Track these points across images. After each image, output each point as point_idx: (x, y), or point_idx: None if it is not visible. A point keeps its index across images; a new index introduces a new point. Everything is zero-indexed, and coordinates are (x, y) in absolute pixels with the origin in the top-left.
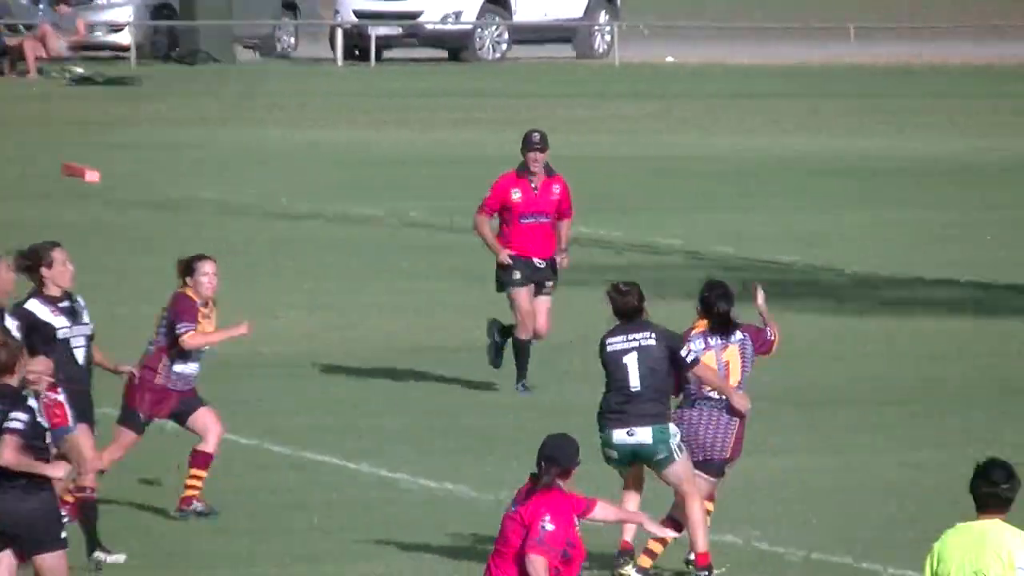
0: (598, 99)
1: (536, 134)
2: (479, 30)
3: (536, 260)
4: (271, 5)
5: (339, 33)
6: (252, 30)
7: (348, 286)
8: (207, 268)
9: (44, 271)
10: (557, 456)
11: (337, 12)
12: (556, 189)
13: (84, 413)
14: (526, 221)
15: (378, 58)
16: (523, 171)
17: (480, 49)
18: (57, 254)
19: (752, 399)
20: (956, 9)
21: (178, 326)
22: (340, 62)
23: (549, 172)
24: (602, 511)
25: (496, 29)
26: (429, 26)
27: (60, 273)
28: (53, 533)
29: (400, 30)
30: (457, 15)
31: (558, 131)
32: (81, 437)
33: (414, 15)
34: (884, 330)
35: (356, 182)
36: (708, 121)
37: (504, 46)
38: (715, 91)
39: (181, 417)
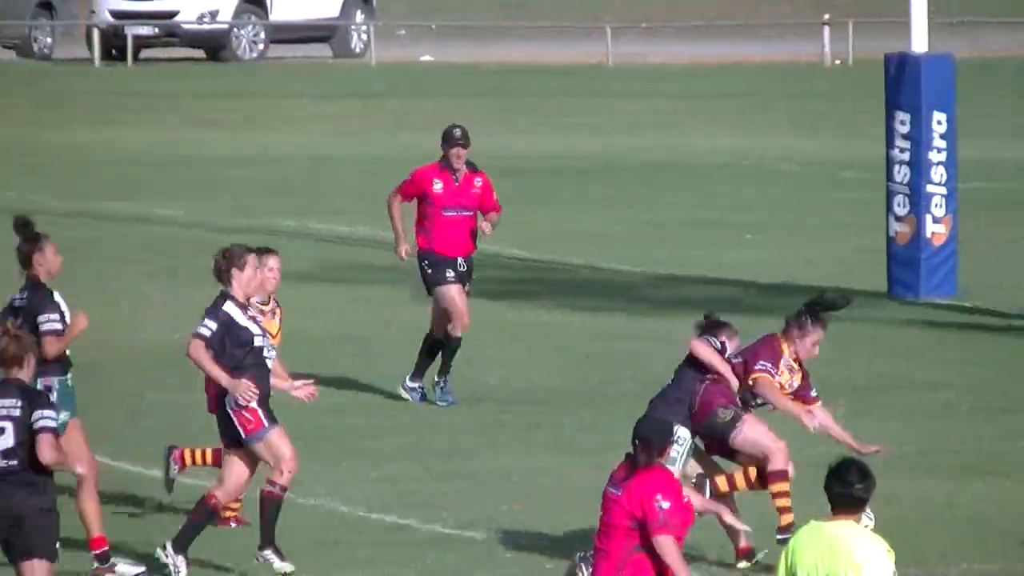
0: (354, 98)
1: (457, 129)
2: (236, 29)
3: (459, 260)
4: (28, 5)
5: (96, 33)
6: (9, 30)
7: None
8: (271, 263)
9: (235, 273)
10: (652, 436)
11: (93, 12)
12: (478, 183)
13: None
14: (448, 214)
15: (136, 58)
16: (445, 165)
17: (237, 49)
18: (251, 259)
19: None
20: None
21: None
22: (98, 62)
23: (472, 168)
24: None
25: (253, 28)
26: (186, 26)
27: (250, 279)
28: (50, 540)
29: (157, 30)
30: (213, 15)
31: (313, 130)
32: (278, 436)
33: (170, 15)
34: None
35: (116, 182)
36: (464, 120)
37: (261, 46)
38: (472, 90)
39: None
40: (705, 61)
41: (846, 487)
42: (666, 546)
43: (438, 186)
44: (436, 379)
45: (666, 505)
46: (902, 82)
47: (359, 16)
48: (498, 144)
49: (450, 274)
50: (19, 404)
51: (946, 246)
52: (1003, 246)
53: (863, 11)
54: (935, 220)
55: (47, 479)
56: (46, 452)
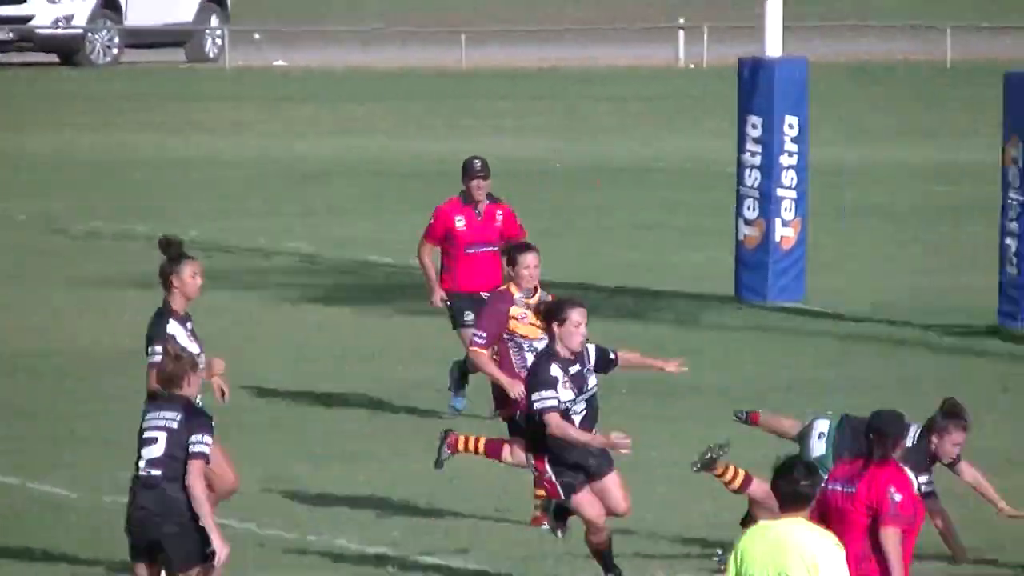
0: (208, 102)
1: (477, 161)
2: (90, 34)
3: (484, 294)
4: None
5: None
6: None
7: None
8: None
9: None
10: (887, 429)
11: None
12: (499, 216)
13: None
14: (471, 251)
15: None
16: (467, 199)
17: (92, 53)
18: (575, 315)
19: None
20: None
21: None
22: None
23: (492, 199)
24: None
25: (107, 33)
26: (40, 31)
27: (571, 334)
28: (187, 554)
29: (11, 35)
30: (68, 19)
31: (166, 133)
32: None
33: (25, 19)
34: None
35: None
36: (320, 124)
37: (115, 50)
38: (320, 94)
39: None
40: (560, 64)
41: (792, 484)
42: (891, 538)
43: (461, 223)
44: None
45: (899, 498)
46: (755, 86)
47: (214, 21)
48: (359, 146)
49: (468, 316)
50: (178, 418)
51: (795, 250)
52: (850, 249)
53: (719, 15)
54: (784, 224)
55: (186, 498)
56: (194, 480)
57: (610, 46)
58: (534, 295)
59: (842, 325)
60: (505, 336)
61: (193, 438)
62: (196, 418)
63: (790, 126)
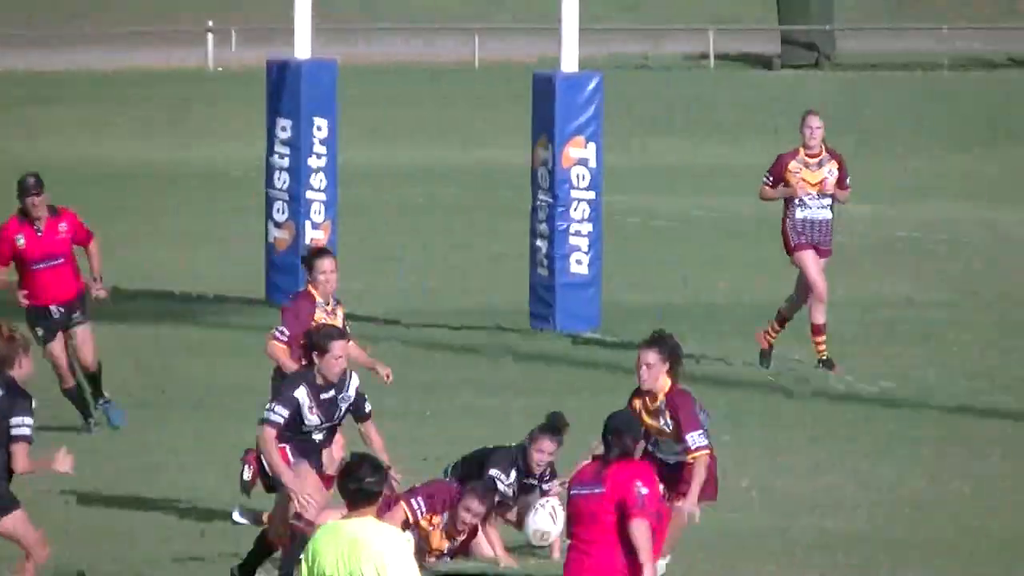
0: None
1: (31, 178)
2: None
3: (52, 308)
4: None
5: None
6: None
7: None
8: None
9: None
10: (624, 429)
11: None
12: (63, 227)
13: None
14: (38, 267)
15: None
16: (25, 216)
17: None
18: (336, 348)
19: None
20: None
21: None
22: None
23: (52, 212)
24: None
25: None
26: None
27: (330, 365)
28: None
29: None
30: None
31: None
32: None
33: None
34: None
35: None
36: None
37: None
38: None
39: None
40: (97, 69)
41: (358, 482)
42: (642, 528)
43: (21, 241)
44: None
45: (645, 491)
46: (283, 88)
47: None
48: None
49: (40, 332)
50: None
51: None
52: (381, 251)
53: (248, 18)
54: (314, 226)
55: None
56: (20, 462)
57: (142, 50)
58: (332, 303)
59: (370, 328)
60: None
61: (14, 420)
62: (18, 400)
63: (318, 128)
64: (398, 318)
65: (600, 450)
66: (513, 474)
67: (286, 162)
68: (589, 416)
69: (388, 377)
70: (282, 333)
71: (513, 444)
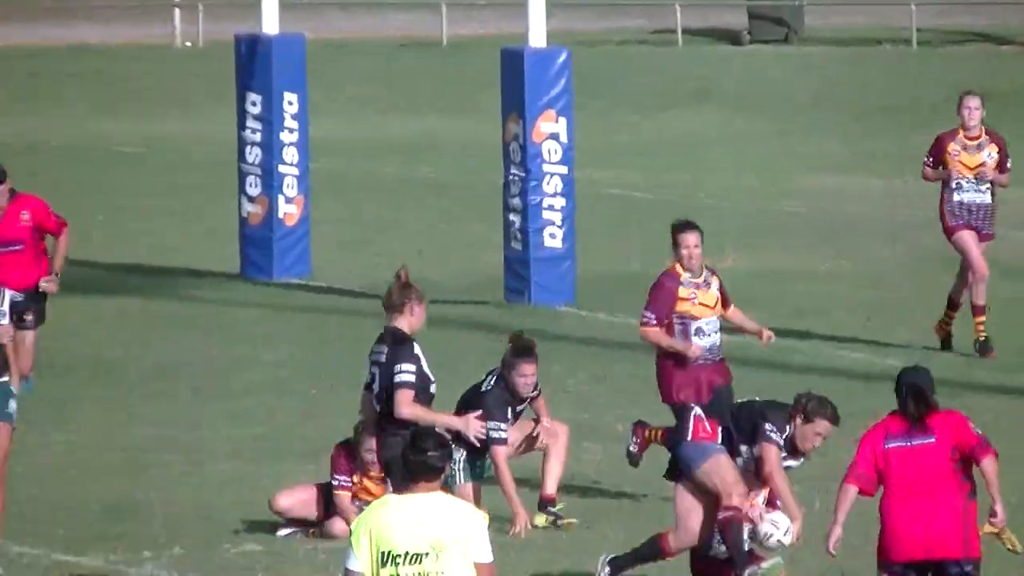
0: None
1: None
2: None
3: (11, 293)
4: None
5: None
6: None
7: None
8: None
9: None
10: (925, 386)
11: None
12: (25, 215)
13: None
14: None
15: None
16: None
17: None
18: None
19: None
20: None
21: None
22: None
23: (14, 196)
24: None
25: None
26: None
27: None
28: None
29: None
30: None
31: None
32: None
33: None
34: None
35: None
36: None
37: None
38: None
39: None
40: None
41: (423, 455)
42: (993, 465)
43: None
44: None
45: (980, 431)
46: (253, 63)
47: None
48: None
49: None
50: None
51: (299, 227)
52: (352, 226)
53: None
54: (287, 200)
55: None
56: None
57: (108, 25)
58: (701, 274)
59: (345, 301)
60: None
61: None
62: (401, 348)
63: (290, 103)
64: (372, 292)
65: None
66: (508, 412)
67: (258, 136)
68: (564, 390)
69: (769, 338)
70: (648, 316)
71: (489, 386)
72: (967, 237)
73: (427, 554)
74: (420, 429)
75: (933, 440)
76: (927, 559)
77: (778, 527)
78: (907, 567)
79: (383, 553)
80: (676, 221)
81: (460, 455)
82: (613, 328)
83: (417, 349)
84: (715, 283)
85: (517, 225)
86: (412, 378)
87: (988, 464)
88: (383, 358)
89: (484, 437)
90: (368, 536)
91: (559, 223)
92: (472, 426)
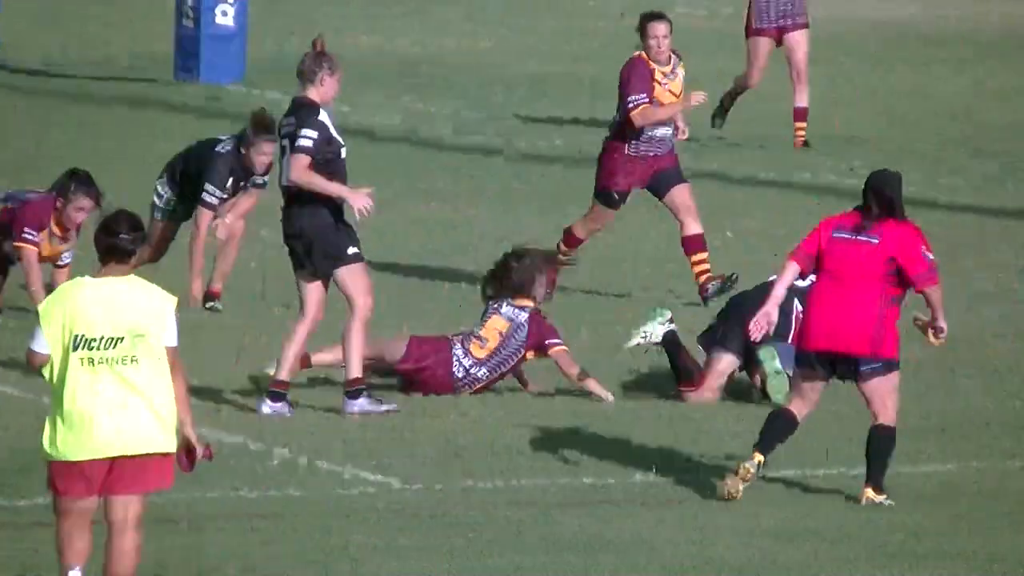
0: None
1: None
2: None
3: None
4: None
5: None
6: None
7: None
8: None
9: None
10: (890, 186)
11: None
12: None
13: None
14: None
15: None
16: None
17: None
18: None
19: None
20: None
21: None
22: None
23: None
24: None
25: None
26: None
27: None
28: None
29: None
30: None
31: None
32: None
33: None
34: None
35: None
36: None
37: None
38: None
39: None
40: None
41: (113, 237)
42: (938, 294)
43: None
44: None
45: (932, 258)
46: None
47: None
48: None
49: None
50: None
51: None
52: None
53: None
54: None
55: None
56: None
57: None
58: (669, 63)
59: (19, 78)
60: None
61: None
62: (306, 115)
63: None
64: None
65: None
66: (230, 183)
67: None
68: None
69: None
70: (637, 98)
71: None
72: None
73: (123, 339)
74: (116, 212)
75: (876, 242)
76: (832, 350)
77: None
78: (817, 358)
79: (76, 336)
80: (645, 11)
81: (168, 193)
82: (282, 108)
83: (324, 116)
84: (681, 72)
85: (189, 3)
86: (309, 144)
87: (932, 293)
88: (292, 128)
89: (368, 213)
90: (61, 318)
91: (231, 1)
92: (359, 200)
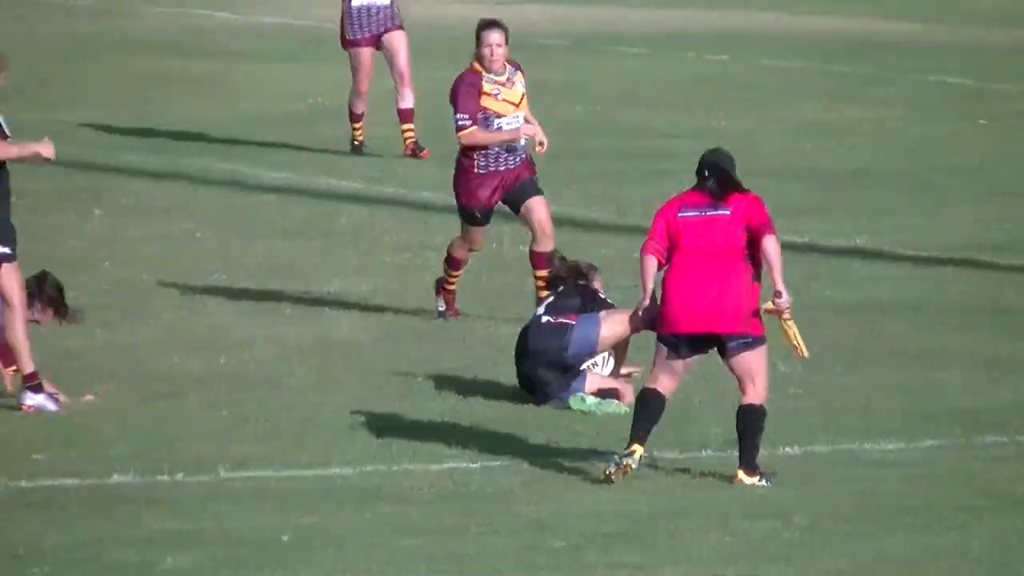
0: None
1: None
2: None
3: None
4: None
5: None
6: None
7: None
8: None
9: None
10: (727, 164)
11: None
12: None
13: None
14: None
15: None
16: None
17: None
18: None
19: None
20: None
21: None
22: None
23: None
24: None
25: None
26: None
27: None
28: None
29: None
30: None
31: None
32: None
33: None
34: None
35: None
36: None
37: None
38: None
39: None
40: None
41: None
42: (775, 245)
43: None
44: None
45: (768, 215)
46: None
47: None
48: None
49: None
50: None
51: None
52: None
53: None
54: None
55: None
56: None
57: None
58: (504, 72)
59: None
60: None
61: None
62: None
63: None
64: None
65: None
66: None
67: None
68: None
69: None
70: (462, 118)
71: None
72: None
73: None
74: None
75: (728, 213)
76: (701, 331)
77: None
78: (681, 338)
79: None
80: (481, 20)
81: None
82: None
83: None
84: (520, 80)
85: None
86: None
87: (770, 243)
88: None
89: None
90: None
91: None
92: (47, 149)
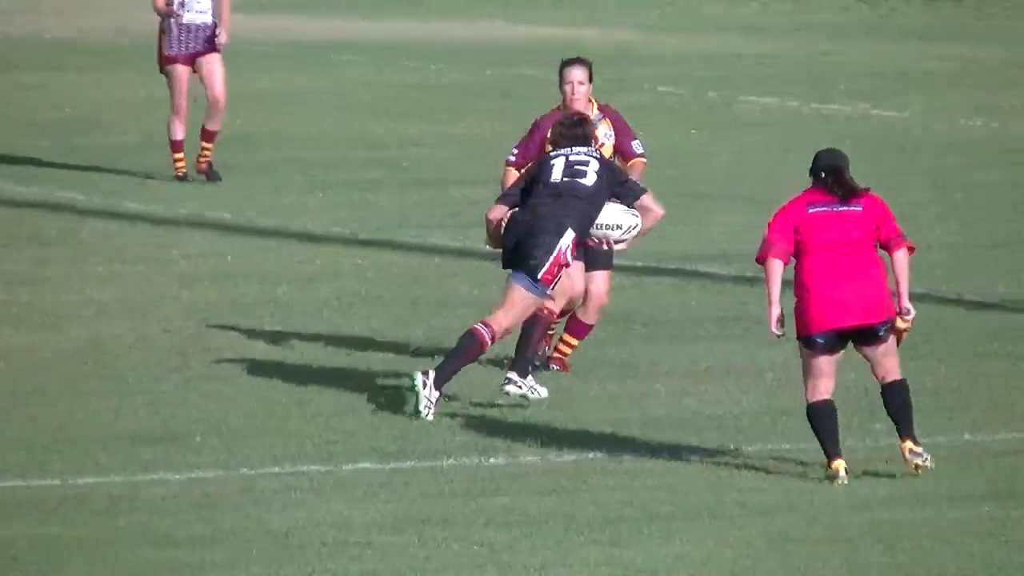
0: None
1: None
2: None
3: None
4: None
5: None
6: None
7: None
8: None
9: None
10: (845, 165)
11: None
12: None
13: None
14: None
15: None
16: None
17: None
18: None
19: None
20: None
21: None
22: None
23: None
24: None
25: None
26: None
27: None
28: None
29: None
30: None
31: None
32: None
33: None
34: None
35: None
36: None
37: None
38: None
39: None
40: None
41: None
42: (906, 261)
43: None
44: None
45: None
46: None
47: None
48: None
49: None
50: None
51: None
52: None
53: None
54: None
55: None
56: None
57: None
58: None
59: None
60: None
61: None
62: None
63: None
64: None
65: None
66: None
67: None
68: None
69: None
70: (511, 154)
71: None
72: None
73: None
74: None
75: (860, 209)
76: (854, 326)
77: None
78: (832, 334)
79: None
80: (565, 57)
81: None
82: None
83: None
84: (605, 128)
85: None
86: None
87: (902, 256)
88: None
89: None
90: None
91: None
92: None
